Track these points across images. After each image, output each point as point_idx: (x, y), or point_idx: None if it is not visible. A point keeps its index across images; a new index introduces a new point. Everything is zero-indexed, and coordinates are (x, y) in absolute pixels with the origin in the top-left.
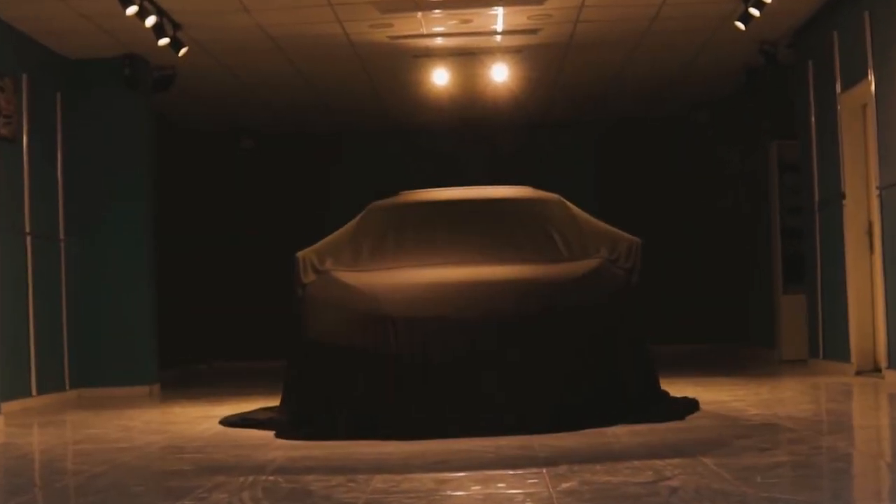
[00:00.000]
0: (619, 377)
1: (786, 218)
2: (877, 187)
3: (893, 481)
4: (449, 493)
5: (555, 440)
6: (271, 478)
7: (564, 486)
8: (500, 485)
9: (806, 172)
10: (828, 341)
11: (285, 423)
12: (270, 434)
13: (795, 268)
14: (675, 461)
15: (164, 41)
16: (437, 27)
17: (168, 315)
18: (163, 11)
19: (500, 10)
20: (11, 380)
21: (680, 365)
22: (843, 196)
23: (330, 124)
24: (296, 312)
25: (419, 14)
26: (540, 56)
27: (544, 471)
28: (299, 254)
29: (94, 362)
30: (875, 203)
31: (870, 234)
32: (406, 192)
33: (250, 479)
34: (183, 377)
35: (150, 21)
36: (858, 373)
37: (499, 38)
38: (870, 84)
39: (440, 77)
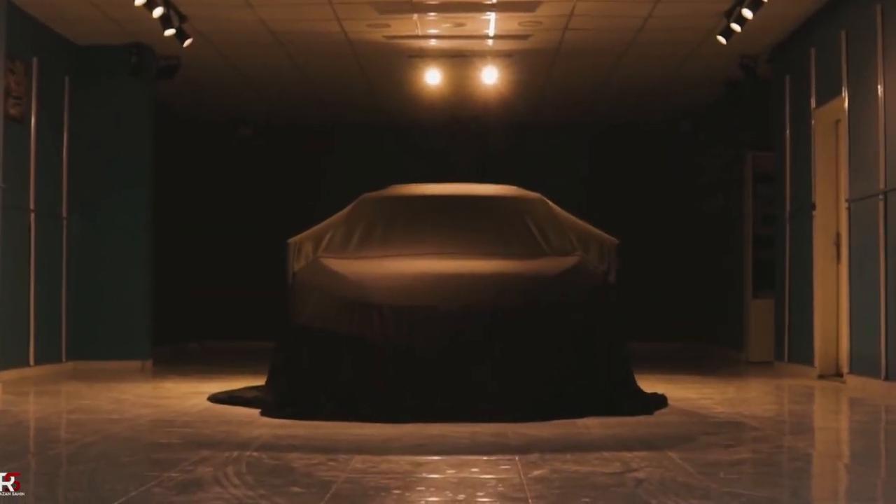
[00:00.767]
0: (594, 372)
1: (759, 226)
2: (846, 200)
3: (850, 482)
4: (424, 475)
5: (528, 429)
6: (255, 454)
7: (535, 473)
8: (473, 469)
9: (779, 183)
10: (793, 345)
11: (271, 403)
12: (256, 412)
13: (766, 273)
14: (643, 454)
15: (169, 32)
16: (431, 29)
17: (163, 294)
18: (170, 3)
19: (492, 16)
20: (10, 350)
21: (652, 362)
22: (813, 207)
23: (325, 118)
24: (285, 296)
25: (415, 16)
26: (529, 61)
27: (517, 458)
28: (291, 240)
29: (91, 336)
30: (844, 215)
31: (837, 244)
32: (396, 185)
33: (235, 454)
34: (175, 354)
35: (158, 12)
36: (821, 377)
37: (490, 42)
38: (843, 100)
39: (433, 77)
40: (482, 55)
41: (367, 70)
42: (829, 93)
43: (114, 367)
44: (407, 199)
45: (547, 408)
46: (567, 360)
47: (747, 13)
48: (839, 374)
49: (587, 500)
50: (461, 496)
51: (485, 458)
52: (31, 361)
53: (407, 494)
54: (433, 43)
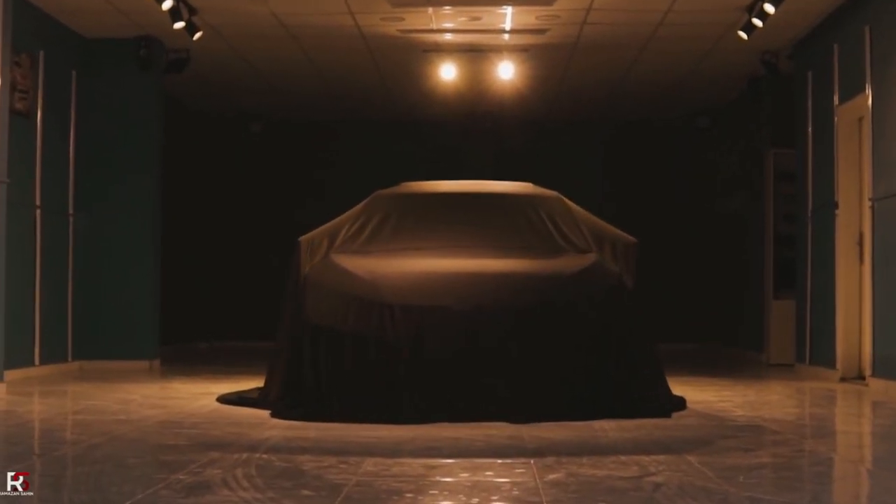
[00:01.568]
0: (609, 373)
1: (780, 224)
2: (869, 198)
3: (872, 487)
4: (438, 478)
5: (543, 432)
6: (265, 456)
7: (551, 477)
8: (488, 473)
9: (801, 181)
10: (815, 347)
11: (280, 404)
12: (266, 413)
13: (787, 274)
14: (661, 457)
15: (179, 25)
16: (446, 23)
17: (171, 292)
18: None
19: (508, 9)
20: (15, 349)
21: (670, 364)
22: (836, 205)
23: (337, 113)
24: (295, 295)
25: (430, 9)
26: (546, 56)
27: (532, 461)
28: (302, 238)
29: (97, 335)
30: (867, 214)
31: (860, 244)
32: (409, 182)
33: (244, 456)
34: (183, 354)
35: (167, 4)
36: (843, 379)
37: (506, 36)
38: (867, 97)
39: (448, 72)
40: (498, 50)
41: (380, 65)
42: (852, 89)
43: (121, 367)
44: (420, 196)
45: (560, 409)
46: (582, 361)
47: (769, 8)
48: (861, 377)
49: None
50: (475, 500)
51: (499, 461)
52: (37, 361)
53: (420, 498)
54: (448, 37)
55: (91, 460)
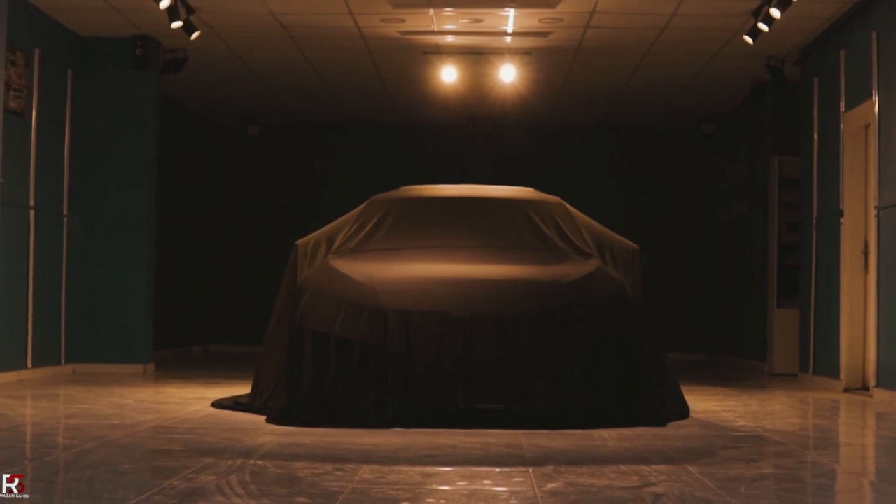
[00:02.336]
0: (610, 381)
1: (784, 233)
2: (875, 207)
3: (876, 499)
4: (434, 486)
5: (542, 441)
6: (259, 462)
7: (549, 486)
8: (485, 481)
9: (806, 189)
10: (818, 357)
11: (277, 409)
12: (261, 419)
13: (791, 282)
14: (661, 467)
15: (176, 24)
16: (448, 25)
17: (166, 296)
18: None
19: (511, 12)
20: (7, 351)
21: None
22: (841, 214)
23: (336, 115)
24: (292, 299)
25: (431, 11)
26: (549, 59)
27: (530, 470)
28: (299, 241)
29: (91, 338)
30: (873, 222)
31: (865, 253)
32: (408, 186)
33: (239, 462)
34: (177, 358)
35: (165, 3)
36: (847, 390)
37: (509, 39)
38: (874, 104)
39: (449, 74)
40: (500, 52)
41: (380, 66)
42: (858, 96)
43: (114, 371)
44: (419, 200)
45: (557, 417)
46: (582, 369)
47: (775, 13)
48: (866, 388)
49: None
50: None
51: (497, 469)
52: (29, 364)
53: None
54: (449, 39)
55: (83, 465)
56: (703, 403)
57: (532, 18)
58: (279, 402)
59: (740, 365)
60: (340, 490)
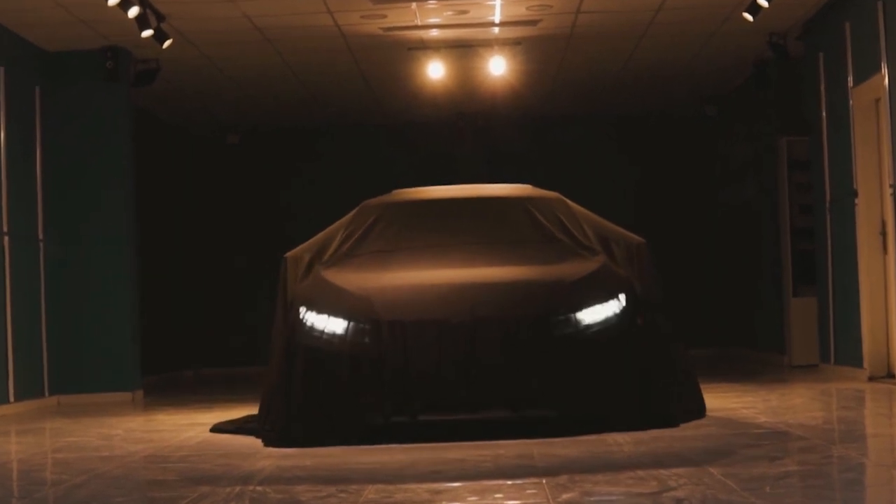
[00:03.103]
0: (621, 381)
1: (796, 217)
2: (891, 185)
3: None
4: (444, 503)
5: (555, 449)
6: (259, 488)
7: (565, 496)
8: (497, 495)
9: (817, 169)
10: (839, 346)
11: (272, 431)
12: (259, 442)
13: (807, 269)
14: (680, 470)
15: (147, 33)
16: (432, 18)
17: (151, 319)
18: (146, 1)
19: (497, 1)
20: None
21: None
22: (855, 194)
23: (319, 120)
24: (284, 315)
25: (413, 5)
26: (540, 48)
27: (543, 481)
28: (288, 254)
29: (75, 368)
30: (889, 202)
31: (883, 233)
32: (400, 190)
33: (237, 489)
34: (167, 384)
35: (133, 12)
36: (871, 379)
37: (496, 29)
38: (883, 78)
39: (435, 70)
40: (488, 44)
41: (363, 66)
42: (867, 70)
43: (101, 401)
44: (411, 204)
45: (567, 421)
46: (590, 371)
47: None
48: (891, 376)
49: None
50: None
51: (509, 482)
52: (11, 398)
53: None
54: (434, 33)
55: (74, 501)
56: (721, 401)
57: (520, 7)
58: (275, 423)
59: (756, 358)
60: None
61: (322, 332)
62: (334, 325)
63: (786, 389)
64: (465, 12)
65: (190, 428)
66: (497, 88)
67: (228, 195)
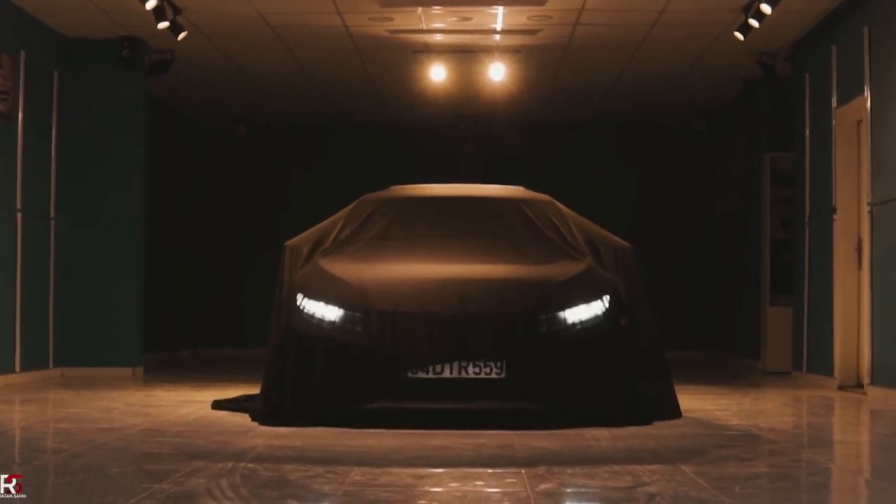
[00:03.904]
0: (599, 380)
1: (777, 229)
2: (868, 203)
3: (871, 498)
4: (427, 488)
5: (535, 441)
6: (250, 465)
7: (542, 487)
8: (478, 483)
9: (799, 185)
10: (812, 355)
11: (266, 411)
12: (252, 422)
13: (784, 279)
14: (655, 467)
15: (163, 24)
16: (436, 23)
17: (155, 298)
18: None
19: (500, 10)
20: None
21: None
22: (834, 210)
23: (325, 116)
24: (282, 302)
25: (419, 9)
26: (538, 57)
27: (523, 471)
28: (288, 243)
29: (79, 342)
30: (866, 219)
31: (859, 249)
32: (399, 186)
33: (229, 465)
34: (167, 361)
35: (151, 4)
36: (841, 387)
37: (498, 37)
38: (866, 99)
39: (438, 73)
40: (489, 50)
41: (369, 66)
42: (850, 92)
43: (103, 375)
44: (409, 200)
45: (548, 416)
46: (570, 369)
47: (766, 8)
48: (860, 385)
49: None
50: None
51: (490, 470)
52: (17, 368)
53: None
54: (438, 38)
55: (73, 470)
56: (697, 402)
57: (521, 16)
58: (269, 404)
59: (734, 363)
60: (332, 493)
61: (316, 318)
62: (328, 312)
63: (759, 394)
64: (468, 19)
65: (187, 405)
66: (497, 93)
67: (234, 185)
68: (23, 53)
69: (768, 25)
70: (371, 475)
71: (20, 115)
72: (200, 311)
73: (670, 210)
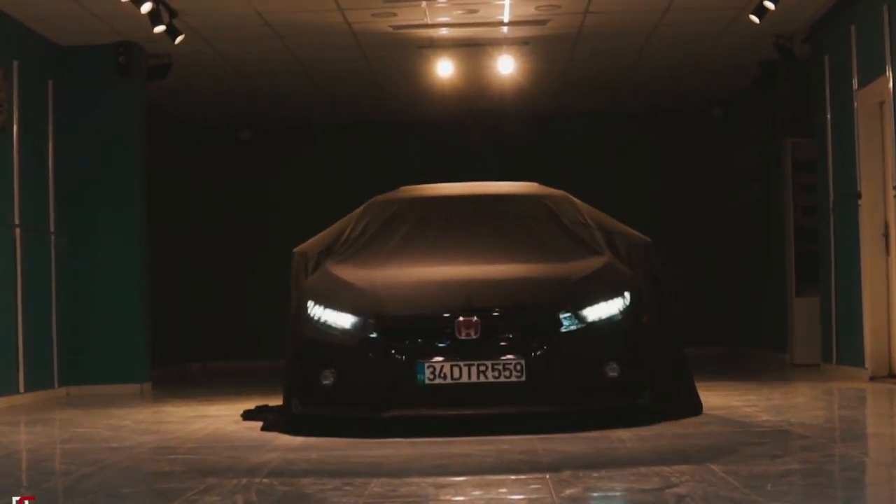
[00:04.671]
0: (619, 380)
1: (800, 217)
2: (893, 187)
3: None
4: (449, 498)
5: (558, 445)
6: (265, 480)
7: (568, 492)
8: (501, 490)
9: (821, 171)
10: (842, 345)
11: (278, 419)
12: (266, 435)
13: (810, 269)
14: (683, 467)
15: (159, 29)
16: (441, 17)
17: (161, 312)
18: None
19: (506, 1)
20: None
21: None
22: (858, 196)
23: (330, 116)
24: (292, 309)
25: (423, 3)
26: (548, 48)
27: (547, 476)
28: (296, 249)
29: (84, 359)
30: (892, 203)
31: (886, 235)
32: (408, 186)
33: (244, 481)
34: (175, 376)
35: (146, 7)
36: (872, 378)
37: (505, 29)
38: (888, 80)
39: (445, 68)
40: (497, 43)
41: (373, 63)
42: (871, 72)
43: (110, 392)
44: (420, 200)
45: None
46: (591, 367)
47: None
48: (892, 375)
49: None
50: None
51: (513, 477)
52: (21, 388)
53: None
54: (444, 32)
55: (82, 491)
56: (723, 399)
57: (529, 6)
58: (283, 414)
59: (760, 357)
60: None
61: (328, 325)
62: (341, 319)
63: (788, 388)
64: (474, 11)
65: (198, 420)
66: (505, 87)
67: (239, 190)
68: (15, 63)
69: (784, 7)
70: (390, 486)
71: (15, 127)
72: (209, 322)
73: (689, 201)
